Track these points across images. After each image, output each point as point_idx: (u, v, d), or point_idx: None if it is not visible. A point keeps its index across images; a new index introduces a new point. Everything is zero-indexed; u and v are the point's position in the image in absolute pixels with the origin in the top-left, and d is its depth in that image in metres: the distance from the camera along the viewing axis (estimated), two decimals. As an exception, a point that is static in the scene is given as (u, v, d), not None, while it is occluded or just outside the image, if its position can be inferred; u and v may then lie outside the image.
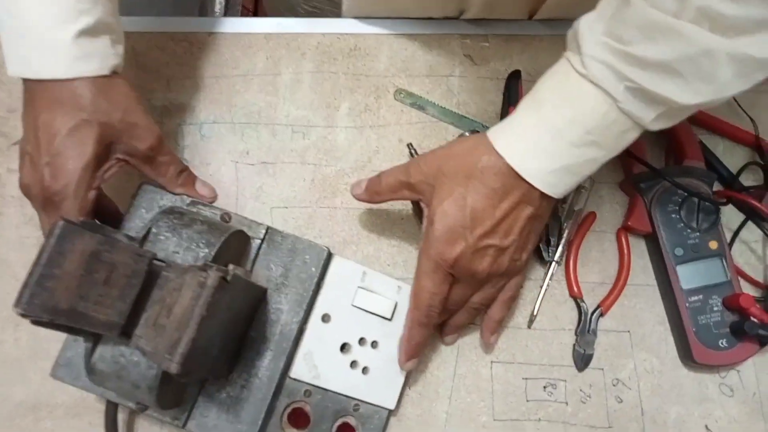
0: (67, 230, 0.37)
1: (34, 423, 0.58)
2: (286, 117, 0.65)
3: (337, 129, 0.65)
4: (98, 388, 0.49)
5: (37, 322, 0.38)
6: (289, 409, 0.52)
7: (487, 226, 0.47)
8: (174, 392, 0.45)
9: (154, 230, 0.44)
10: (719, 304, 0.58)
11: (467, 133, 0.62)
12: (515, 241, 0.49)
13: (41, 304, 0.36)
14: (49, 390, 0.58)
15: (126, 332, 0.41)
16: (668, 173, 0.59)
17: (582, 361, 0.59)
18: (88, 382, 0.49)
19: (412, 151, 0.61)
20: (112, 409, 0.52)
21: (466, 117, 0.65)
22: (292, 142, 0.65)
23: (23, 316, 0.36)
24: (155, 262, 0.43)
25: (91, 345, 0.41)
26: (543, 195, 0.47)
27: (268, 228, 0.52)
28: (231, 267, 0.40)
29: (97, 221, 0.40)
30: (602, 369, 0.60)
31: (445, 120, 0.65)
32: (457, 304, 0.54)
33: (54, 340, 0.58)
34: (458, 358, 0.60)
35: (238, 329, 0.48)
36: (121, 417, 0.55)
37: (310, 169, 0.64)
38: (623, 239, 0.62)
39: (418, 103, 0.65)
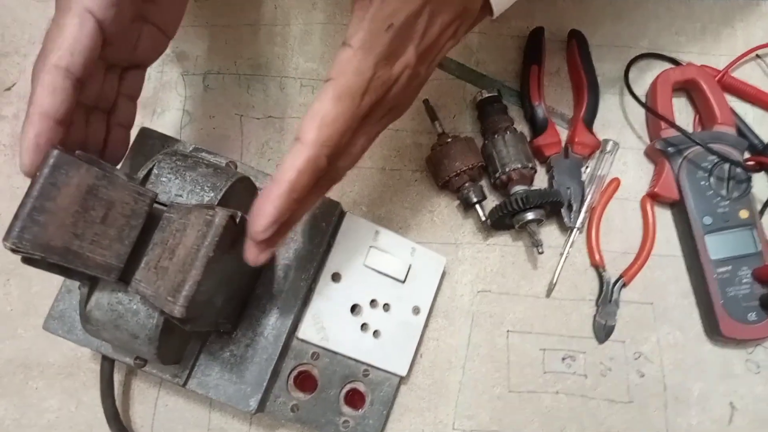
0: (62, 160, 0.34)
1: (23, 382, 0.54)
2: (295, 70, 0.62)
3: (349, 84, 0.62)
4: (93, 341, 0.46)
5: (28, 260, 0.35)
6: (295, 372, 0.49)
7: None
8: (175, 346, 0.42)
9: (155, 171, 0.40)
10: (749, 276, 0.55)
11: (485, 93, 0.58)
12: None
13: (33, 239, 0.33)
14: (40, 348, 0.55)
15: (124, 278, 0.38)
16: (699, 138, 0.56)
17: (603, 332, 0.56)
18: (82, 336, 0.46)
19: (429, 108, 0.58)
20: (107, 367, 0.49)
21: (485, 75, 0.62)
22: (300, 97, 0.61)
23: (13, 251, 0.33)
24: (156, 205, 0.39)
25: (87, 291, 0.38)
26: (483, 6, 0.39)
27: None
28: (239, 213, 0.37)
29: (94, 157, 0.36)
30: (623, 342, 0.57)
31: (462, 78, 0.62)
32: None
33: (46, 296, 0.55)
34: (473, 327, 0.57)
35: (244, 283, 0.45)
36: (117, 378, 0.52)
37: (320, 125, 0.60)
38: (648, 207, 0.59)
39: (436, 60, 0.62)
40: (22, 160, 0.35)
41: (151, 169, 0.41)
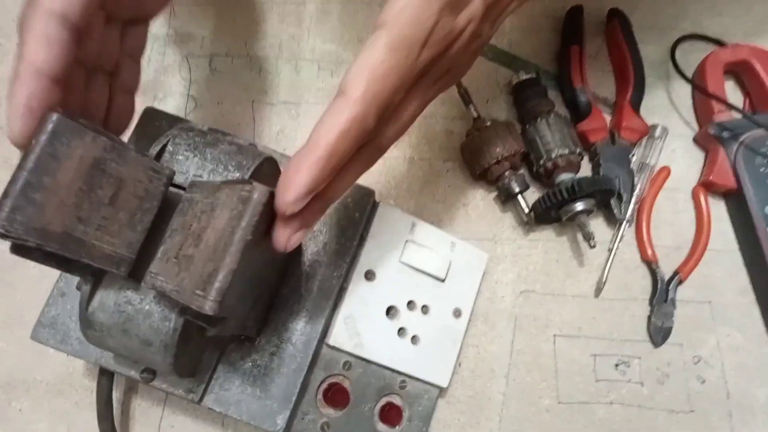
0: (63, 126, 0.28)
1: (6, 403, 0.47)
2: (312, 52, 0.56)
3: (371, 66, 0.56)
4: (92, 351, 0.39)
5: (19, 249, 0.28)
6: (325, 385, 0.43)
7: None
8: (191, 356, 0.36)
9: (169, 148, 0.34)
10: (815, 270, 0.51)
11: (523, 74, 0.53)
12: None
13: (26, 221, 0.27)
14: (26, 363, 0.48)
15: (134, 274, 0.32)
16: (760, 121, 0.51)
17: (660, 335, 0.51)
18: (78, 346, 0.40)
19: (463, 91, 0.52)
20: (105, 383, 0.42)
21: (519, 58, 0.57)
22: (318, 81, 0.55)
23: (2, 236, 0.26)
24: (172, 188, 0.33)
25: (90, 289, 0.31)
26: None
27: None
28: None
29: (99, 127, 0.30)
30: (681, 345, 0.52)
31: (496, 60, 0.57)
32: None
33: (32, 304, 0.48)
34: (516, 331, 0.51)
35: (271, 281, 0.39)
36: (115, 396, 0.45)
37: (340, 111, 0.55)
38: (701, 197, 0.54)
39: (465, 40, 0.57)
40: (11, 126, 0.29)
41: (164, 146, 0.34)
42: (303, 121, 0.54)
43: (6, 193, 0.26)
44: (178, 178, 0.34)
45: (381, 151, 0.33)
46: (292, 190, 0.28)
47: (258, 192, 0.28)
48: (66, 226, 0.28)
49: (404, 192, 0.53)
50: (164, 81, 0.54)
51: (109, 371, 0.43)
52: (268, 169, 0.37)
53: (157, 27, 0.55)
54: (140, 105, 0.45)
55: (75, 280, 0.41)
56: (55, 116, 0.27)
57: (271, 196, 0.28)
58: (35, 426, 0.47)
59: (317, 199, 0.29)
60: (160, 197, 0.31)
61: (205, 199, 0.30)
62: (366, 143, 0.30)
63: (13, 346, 0.48)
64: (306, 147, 0.28)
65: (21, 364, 0.48)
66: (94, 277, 0.31)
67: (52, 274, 0.49)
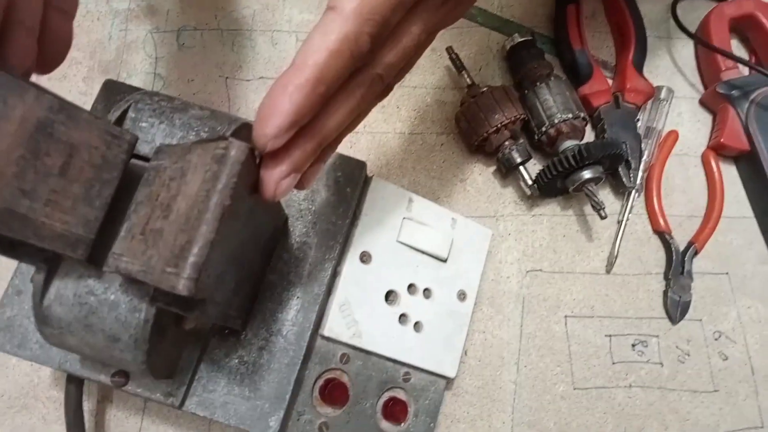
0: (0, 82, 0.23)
1: (-38, 423, 0.42)
2: (288, 22, 0.52)
3: (354, 36, 0.52)
4: (55, 356, 0.34)
5: (-51, 230, 0.24)
6: (321, 381, 0.38)
7: None
8: (167, 353, 0.31)
9: (131, 114, 0.30)
10: (838, 232, 0.47)
11: (517, 37, 0.49)
12: None
13: (-45, 195, 0.22)
14: (-18, 377, 0.43)
15: (95, 259, 0.27)
16: (771, 75, 0.48)
17: (678, 309, 0.47)
18: (38, 351, 0.35)
19: (454, 57, 0.48)
20: (74, 392, 0.37)
21: (511, 21, 0.53)
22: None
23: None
24: (134, 160, 0.29)
25: (43, 279, 0.27)
26: None
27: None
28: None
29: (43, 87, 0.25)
30: (700, 320, 0.48)
31: (486, 25, 0.53)
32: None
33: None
34: (524, 314, 0.47)
35: (256, 264, 0.34)
36: (87, 407, 0.41)
37: (322, 85, 0.50)
38: (712, 161, 0.50)
39: (453, 5, 0.53)
40: None
41: (125, 111, 0.30)
42: (282, 97, 0.49)
43: (-71, 161, 0.22)
44: (143, 148, 0.29)
45: (380, 81, 0.28)
46: (273, 119, 0.23)
47: (235, 148, 0.23)
48: (6, 200, 0.23)
49: (396, 169, 0.49)
50: (127, 59, 0.49)
51: (77, 378, 0.38)
52: (246, 136, 0.33)
53: (118, 1, 0.50)
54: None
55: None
56: (-11, 70, 0.23)
57: (251, 153, 0.24)
58: (-3, 445, 0.42)
59: (306, 134, 0.25)
60: (121, 167, 0.27)
61: (174, 165, 0.26)
62: (361, 69, 0.26)
63: (-32, 357, 0.43)
64: (290, 69, 0.24)
65: (-22, 377, 0.43)
66: (48, 265, 0.27)
67: (4, 273, 0.44)
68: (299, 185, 0.28)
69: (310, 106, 0.24)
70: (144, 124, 0.30)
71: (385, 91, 0.29)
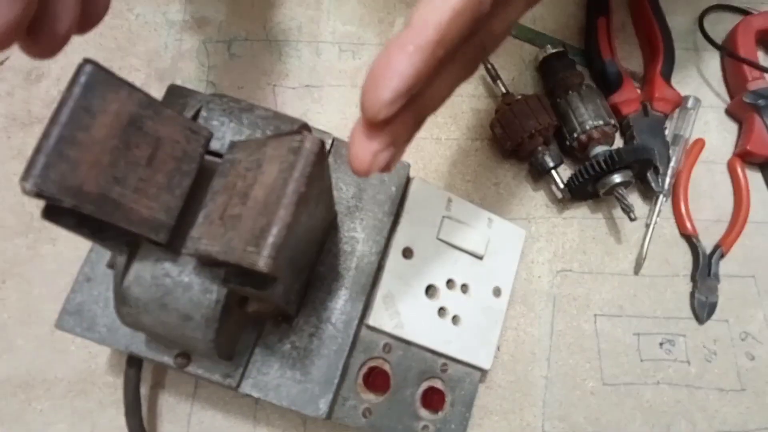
0: (98, 78, 0.26)
1: (25, 404, 0.45)
2: (332, 34, 0.55)
3: (393, 47, 0.55)
4: (121, 338, 0.37)
5: (52, 212, 0.26)
6: (365, 369, 0.41)
7: None
8: (230, 334, 0.33)
9: (204, 114, 0.33)
10: None
11: (550, 48, 0.52)
12: None
13: (60, 179, 0.25)
14: (45, 361, 0.46)
15: (171, 245, 0.30)
16: (796, 85, 0.50)
17: (705, 310, 0.49)
18: (105, 334, 0.37)
19: (489, 66, 0.51)
20: (133, 375, 0.40)
21: (543, 33, 0.56)
22: (340, 62, 0.54)
23: (36, 195, 0.24)
24: (208, 156, 0.31)
25: (124, 261, 0.29)
26: None
27: (334, 138, 0.41)
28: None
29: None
30: (727, 321, 0.50)
31: (519, 37, 0.55)
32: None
33: (51, 299, 0.46)
34: (555, 312, 0.49)
35: (311, 253, 0.37)
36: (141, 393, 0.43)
37: (363, 92, 0.53)
38: (738, 169, 0.52)
39: (488, 18, 0.55)
40: None
41: (198, 111, 0.33)
42: (326, 104, 0.52)
43: (38, 148, 0.25)
44: (214, 145, 0.32)
45: (483, 52, 0.26)
46: (390, 81, 0.21)
47: (310, 141, 0.26)
48: (101, 186, 0.26)
49: (433, 173, 0.51)
50: (182, 67, 0.52)
51: (136, 362, 0.41)
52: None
53: (173, 13, 0.54)
54: (158, 92, 0.43)
55: (101, 265, 0.39)
56: (89, 67, 0.26)
57: (322, 146, 0.26)
58: (57, 427, 0.45)
59: (410, 106, 0.23)
60: (199, 159, 0.29)
61: (249, 157, 0.28)
62: (472, 37, 0.24)
63: (32, 343, 0.46)
64: (408, 29, 0.21)
65: (40, 362, 0.46)
66: (129, 248, 0.29)
67: (71, 268, 0.47)
68: (386, 166, 0.25)
69: (427, 72, 0.22)
70: (215, 123, 0.33)
71: (476, 66, 0.27)
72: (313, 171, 0.26)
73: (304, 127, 0.34)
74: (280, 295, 0.29)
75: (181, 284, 0.29)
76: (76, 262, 0.46)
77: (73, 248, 0.48)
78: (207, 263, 0.29)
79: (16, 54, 0.52)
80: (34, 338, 0.46)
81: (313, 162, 0.26)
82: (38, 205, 0.48)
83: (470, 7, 0.22)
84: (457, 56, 0.24)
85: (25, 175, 0.24)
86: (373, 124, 0.23)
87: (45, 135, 0.25)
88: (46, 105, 0.51)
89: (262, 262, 0.24)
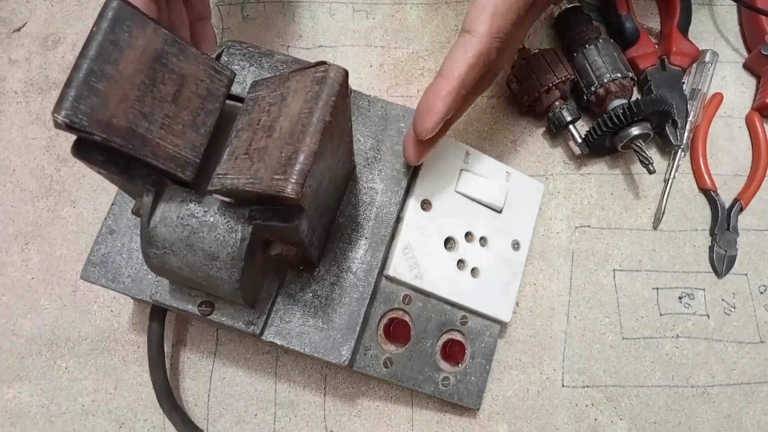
0: (125, 13, 0.26)
1: (50, 362, 0.45)
2: (345, -6, 0.55)
3: (406, 6, 0.54)
4: (145, 288, 0.37)
5: (81, 147, 0.27)
6: (385, 319, 0.41)
7: None
8: (254, 279, 0.34)
9: (224, 58, 0.33)
10: None
11: (565, 3, 0.51)
12: None
13: (91, 112, 0.25)
14: (68, 320, 0.46)
15: (196, 185, 0.30)
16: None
17: (724, 264, 0.49)
18: (129, 284, 0.38)
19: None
20: (157, 329, 0.41)
21: (558, -10, 0.55)
22: (353, 23, 0.54)
23: (68, 127, 0.25)
24: (229, 101, 0.32)
25: (151, 201, 0.30)
26: None
27: (351, 90, 0.41)
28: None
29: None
30: (746, 274, 0.49)
31: (534, -6, 0.55)
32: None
33: (73, 259, 0.47)
34: (574, 267, 0.49)
35: (331, 201, 0.37)
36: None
37: (377, 52, 0.53)
38: (757, 122, 0.52)
39: (502, -24, 0.55)
40: None
41: (219, 55, 0.33)
42: (340, 63, 0.52)
43: (69, 81, 0.25)
44: (235, 89, 0.32)
45: (496, 75, 0.38)
46: (431, 117, 0.33)
47: (334, 71, 0.26)
48: (130, 120, 0.26)
49: (449, 130, 0.51)
50: (195, 29, 0.52)
51: (159, 316, 0.41)
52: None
53: (185, -24, 0.54)
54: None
55: (123, 217, 0.39)
56: (116, 2, 0.26)
57: (346, 76, 0.26)
58: (82, 384, 0.45)
59: (444, 125, 0.34)
60: (222, 99, 0.30)
61: (272, 93, 0.28)
62: (486, 74, 0.35)
63: (55, 303, 0.46)
64: (440, 78, 0.32)
65: (63, 321, 0.46)
66: (155, 189, 0.30)
67: (91, 229, 0.47)
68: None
69: (455, 107, 0.33)
70: (236, 67, 0.33)
71: (488, 87, 0.39)
72: (337, 101, 0.26)
73: (323, 63, 0.34)
74: (305, 232, 0.29)
75: (207, 224, 0.30)
76: (95, 223, 0.47)
77: (92, 209, 0.48)
78: (234, 199, 0.29)
79: (32, 20, 0.53)
80: (57, 298, 0.47)
81: (338, 92, 0.26)
82: (57, 168, 0.49)
83: (482, 60, 0.32)
84: (476, 87, 0.35)
85: (57, 108, 0.24)
86: (420, 140, 0.35)
87: (75, 68, 0.25)
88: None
89: (290, 188, 0.24)
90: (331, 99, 0.25)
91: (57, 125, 0.25)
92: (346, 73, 0.26)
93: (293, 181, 0.24)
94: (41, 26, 0.53)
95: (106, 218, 0.39)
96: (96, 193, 0.48)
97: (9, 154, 0.49)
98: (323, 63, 0.26)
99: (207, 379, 0.46)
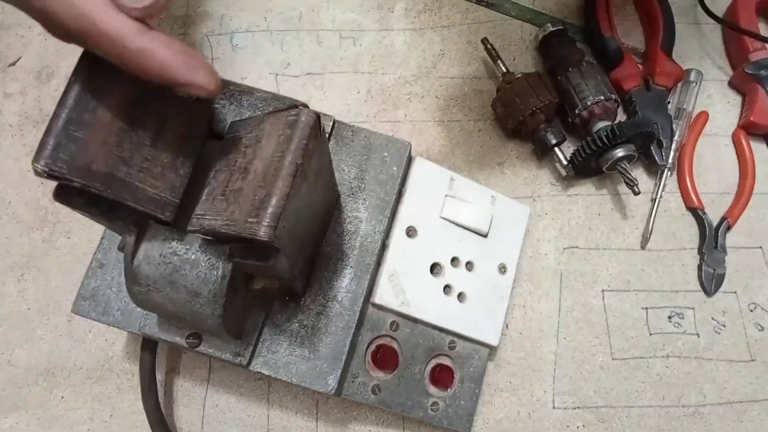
0: (103, 61, 0.27)
1: (46, 392, 0.46)
2: (332, 22, 0.55)
3: (393, 32, 0.55)
4: (134, 321, 0.38)
5: (63, 192, 0.27)
6: (372, 346, 0.41)
7: None
8: (238, 312, 0.34)
9: (205, 97, 0.34)
10: None
11: (550, 27, 0.52)
12: None
13: (70, 159, 0.26)
14: (64, 350, 0.47)
15: (177, 224, 0.31)
16: (798, 54, 0.50)
17: (712, 282, 0.49)
18: (119, 317, 0.39)
19: (489, 47, 0.51)
20: (148, 359, 0.41)
21: (543, 13, 0.56)
22: (341, 50, 0.55)
23: (48, 174, 0.25)
24: (209, 139, 0.32)
25: (134, 240, 0.30)
26: None
27: (334, 120, 0.42)
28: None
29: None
30: (735, 292, 0.50)
31: (519, 17, 0.56)
32: None
33: (67, 289, 0.48)
34: (562, 289, 0.49)
35: (315, 231, 0.38)
36: (157, 378, 0.44)
37: (364, 78, 0.54)
38: (743, 141, 0.52)
39: None
40: None
41: (200, 95, 0.33)
42: (328, 90, 0.53)
43: (48, 130, 0.26)
44: (216, 127, 0.33)
45: None
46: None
47: (305, 114, 0.27)
48: (109, 165, 0.27)
49: (436, 155, 0.52)
50: (186, 60, 0.53)
51: (151, 346, 0.42)
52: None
53: (176, 9, 0.55)
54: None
55: (113, 251, 0.40)
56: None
57: (318, 120, 0.27)
58: (78, 413, 0.46)
59: None
60: (203, 138, 0.30)
61: (248, 134, 0.29)
62: None
63: (51, 333, 0.47)
64: None
65: (59, 351, 0.47)
66: (138, 228, 0.30)
67: (85, 260, 0.48)
68: None
69: None
70: (216, 106, 0.33)
71: None
72: (309, 143, 0.26)
73: (304, 106, 0.35)
74: (285, 268, 0.30)
75: (189, 261, 0.30)
76: (90, 253, 0.48)
77: (86, 240, 0.49)
78: (212, 238, 0.30)
79: (26, 54, 0.54)
80: (53, 328, 0.47)
81: (309, 134, 0.26)
82: (53, 200, 0.50)
83: None
84: None
85: (37, 157, 0.25)
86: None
87: (54, 117, 0.26)
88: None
89: (263, 231, 0.25)
90: (302, 142, 0.26)
91: (37, 173, 0.26)
92: (318, 116, 0.27)
93: (266, 224, 0.25)
94: (35, 60, 0.54)
95: (95, 252, 0.40)
96: (90, 224, 0.49)
97: (5, 186, 0.50)
98: (295, 107, 0.27)
99: (200, 406, 0.46)
